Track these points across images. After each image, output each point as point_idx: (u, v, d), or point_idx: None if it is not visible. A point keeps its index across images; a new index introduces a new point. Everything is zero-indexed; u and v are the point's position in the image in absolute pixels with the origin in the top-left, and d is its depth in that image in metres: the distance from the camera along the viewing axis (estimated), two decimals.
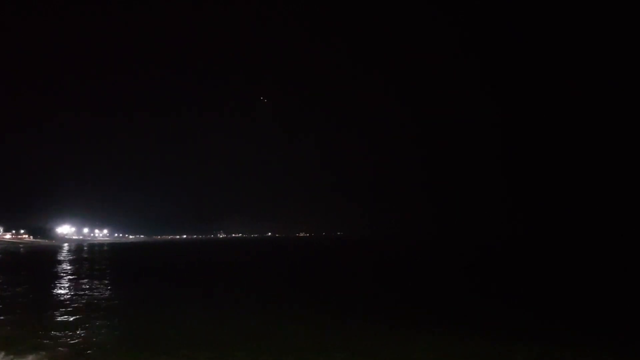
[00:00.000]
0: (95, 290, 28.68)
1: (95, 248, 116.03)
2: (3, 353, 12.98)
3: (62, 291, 28.50)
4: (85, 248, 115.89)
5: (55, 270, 45.65)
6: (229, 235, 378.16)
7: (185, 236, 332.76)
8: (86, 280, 35.20)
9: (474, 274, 41.38)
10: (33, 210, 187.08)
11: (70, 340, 15.24)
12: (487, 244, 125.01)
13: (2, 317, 19.23)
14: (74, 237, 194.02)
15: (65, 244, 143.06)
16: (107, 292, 27.92)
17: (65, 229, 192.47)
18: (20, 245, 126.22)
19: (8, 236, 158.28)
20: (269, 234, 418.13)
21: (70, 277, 37.92)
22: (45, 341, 15.05)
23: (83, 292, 27.65)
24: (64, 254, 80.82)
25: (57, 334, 16.20)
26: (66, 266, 51.29)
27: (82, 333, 16.36)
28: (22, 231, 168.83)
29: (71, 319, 19.26)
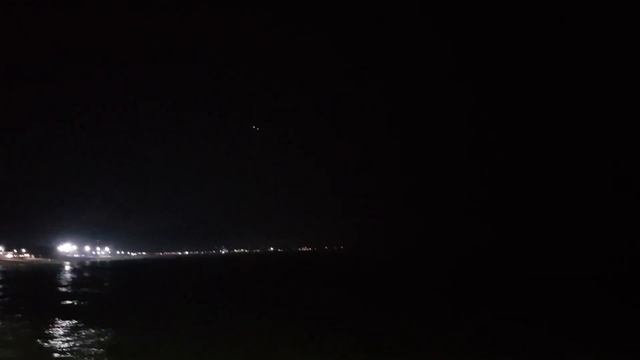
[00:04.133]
0: (91, 303, 28.91)
1: (97, 266, 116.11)
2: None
3: (61, 304, 28.73)
4: (86, 265, 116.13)
5: (55, 286, 45.92)
6: (230, 251, 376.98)
7: (187, 252, 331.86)
8: (83, 292, 35.42)
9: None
10: (34, 229, 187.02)
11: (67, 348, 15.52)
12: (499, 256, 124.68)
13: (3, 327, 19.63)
14: (75, 256, 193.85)
15: (67, 263, 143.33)
16: (103, 306, 28.12)
17: (66, 247, 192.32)
18: (21, 264, 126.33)
19: (9, 255, 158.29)
20: (271, 249, 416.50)
21: (68, 291, 38.10)
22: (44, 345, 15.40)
23: (81, 305, 27.83)
24: (64, 273, 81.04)
25: (55, 341, 16.56)
26: (65, 282, 51.58)
27: (79, 341, 16.67)
28: (23, 250, 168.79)
29: (69, 329, 19.58)
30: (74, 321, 22.89)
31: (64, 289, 42.32)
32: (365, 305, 28.57)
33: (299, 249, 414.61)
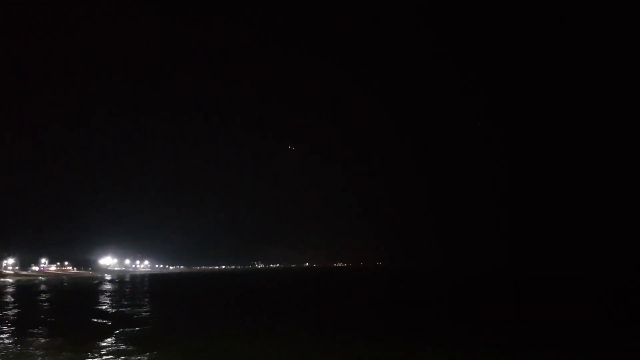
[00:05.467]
0: (130, 320, 29.10)
1: (137, 279, 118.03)
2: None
3: (98, 321, 28.98)
4: (126, 279, 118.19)
5: (94, 302, 46.66)
6: (267, 266, 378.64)
7: (224, 266, 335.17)
8: (123, 307, 35.84)
9: None
10: (77, 242, 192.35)
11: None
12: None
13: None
14: (115, 269, 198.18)
15: (107, 275, 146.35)
16: (143, 322, 28.23)
17: (107, 261, 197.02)
18: (64, 277, 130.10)
19: (53, 268, 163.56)
20: (307, 264, 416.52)
21: (108, 308, 38.64)
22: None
23: (120, 322, 28.06)
24: (104, 286, 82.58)
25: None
26: (105, 297, 52.46)
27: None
28: (66, 263, 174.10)
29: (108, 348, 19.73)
30: (112, 340, 22.88)
31: (103, 306, 42.89)
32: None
33: (334, 265, 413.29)
